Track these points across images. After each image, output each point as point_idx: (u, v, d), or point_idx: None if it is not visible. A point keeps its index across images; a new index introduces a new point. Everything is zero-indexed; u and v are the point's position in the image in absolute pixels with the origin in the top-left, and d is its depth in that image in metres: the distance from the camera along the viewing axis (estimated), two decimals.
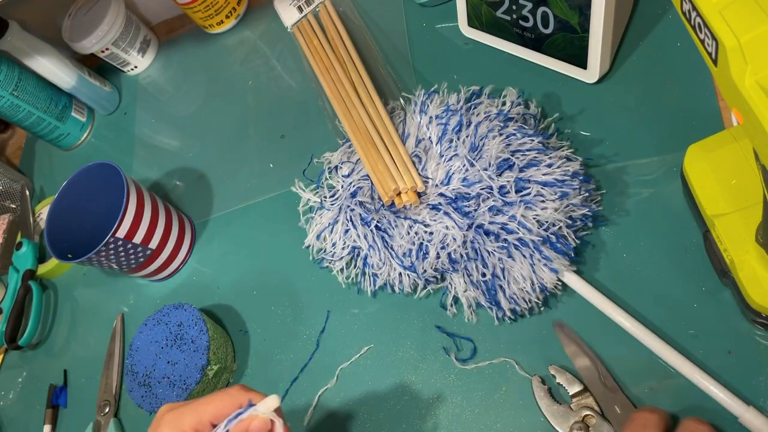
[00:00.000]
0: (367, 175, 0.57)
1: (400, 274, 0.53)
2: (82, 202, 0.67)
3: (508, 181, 0.50)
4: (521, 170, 0.51)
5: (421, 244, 0.52)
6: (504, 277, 0.49)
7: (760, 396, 0.43)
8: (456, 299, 0.54)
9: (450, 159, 0.53)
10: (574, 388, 0.48)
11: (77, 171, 0.66)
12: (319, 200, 0.59)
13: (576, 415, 0.46)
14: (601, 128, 0.56)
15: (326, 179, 0.62)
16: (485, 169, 0.51)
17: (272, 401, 0.36)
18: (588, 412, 0.46)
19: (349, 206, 0.55)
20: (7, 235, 0.77)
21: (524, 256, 0.49)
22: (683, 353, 0.46)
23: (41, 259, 0.76)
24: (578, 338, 0.49)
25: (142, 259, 0.64)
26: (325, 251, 0.58)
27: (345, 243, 0.56)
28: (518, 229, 0.48)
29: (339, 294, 0.60)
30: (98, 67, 0.89)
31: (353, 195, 0.57)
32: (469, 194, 0.51)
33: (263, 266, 0.65)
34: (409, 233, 0.52)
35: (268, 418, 0.36)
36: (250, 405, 0.36)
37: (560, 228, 0.50)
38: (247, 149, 0.73)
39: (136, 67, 0.86)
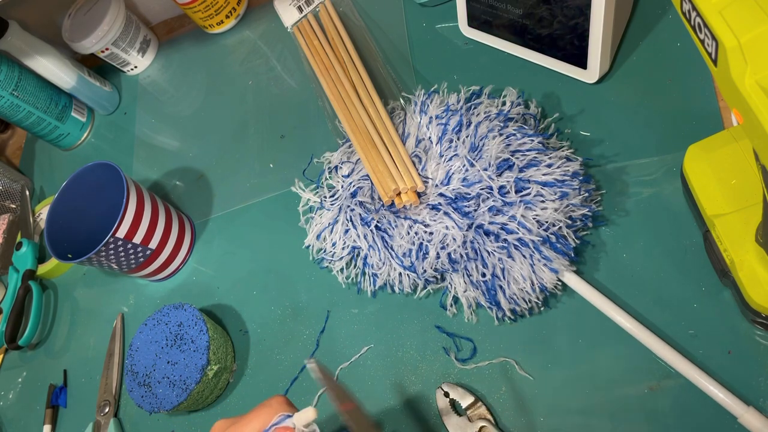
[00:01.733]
0: (367, 175, 0.57)
1: (400, 274, 0.53)
2: (82, 202, 0.67)
3: (507, 181, 0.50)
4: (521, 170, 0.51)
5: (421, 244, 0.52)
6: (504, 278, 0.49)
7: (760, 396, 0.43)
8: (456, 299, 0.54)
9: (450, 159, 0.53)
10: (467, 401, 0.50)
11: (77, 171, 0.66)
12: (319, 200, 0.59)
13: (473, 426, 0.48)
14: (601, 128, 0.56)
15: (326, 179, 0.62)
16: (485, 169, 0.51)
17: (307, 414, 0.35)
18: (483, 423, 0.48)
19: (349, 206, 0.55)
20: (7, 235, 0.77)
21: (524, 256, 0.49)
22: (683, 353, 0.46)
23: (41, 259, 0.76)
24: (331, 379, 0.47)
25: (142, 259, 0.64)
26: (325, 251, 0.58)
27: (345, 243, 0.56)
28: (518, 229, 0.48)
29: (339, 294, 0.60)
30: (98, 67, 0.89)
31: (353, 195, 0.57)
32: (469, 194, 0.51)
33: (263, 266, 0.65)
34: (409, 233, 0.52)
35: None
36: (286, 416, 0.36)
37: (560, 228, 0.50)
38: (247, 149, 0.73)
39: (136, 67, 0.86)
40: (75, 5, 0.82)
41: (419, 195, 0.54)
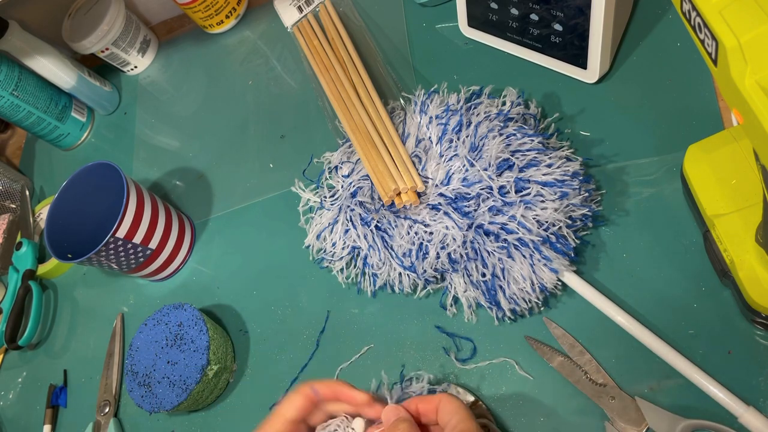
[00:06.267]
0: (367, 175, 0.57)
1: (400, 274, 0.53)
2: (82, 202, 0.67)
3: (507, 181, 0.50)
4: (521, 170, 0.51)
5: (421, 244, 0.52)
6: (504, 277, 0.49)
7: (760, 396, 0.43)
8: (456, 299, 0.54)
9: (450, 159, 0.53)
10: (466, 401, 0.49)
11: (77, 171, 0.66)
12: (319, 200, 0.59)
13: None
14: (601, 128, 0.56)
15: (326, 179, 0.62)
16: (485, 169, 0.51)
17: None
18: (483, 421, 0.47)
19: (349, 206, 0.55)
20: (7, 235, 0.77)
21: (524, 256, 0.49)
22: (683, 353, 0.46)
23: (41, 259, 0.76)
24: (546, 346, 0.50)
25: (142, 259, 0.64)
26: (325, 251, 0.58)
27: (345, 243, 0.56)
28: (518, 229, 0.48)
29: (339, 294, 0.60)
30: (98, 67, 0.89)
31: (353, 195, 0.57)
32: (469, 194, 0.51)
33: (263, 266, 0.65)
34: (409, 233, 0.52)
35: None
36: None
37: (560, 228, 0.49)
38: (247, 149, 0.73)
39: (136, 67, 0.86)
40: (75, 5, 0.82)
41: (419, 195, 0.54)
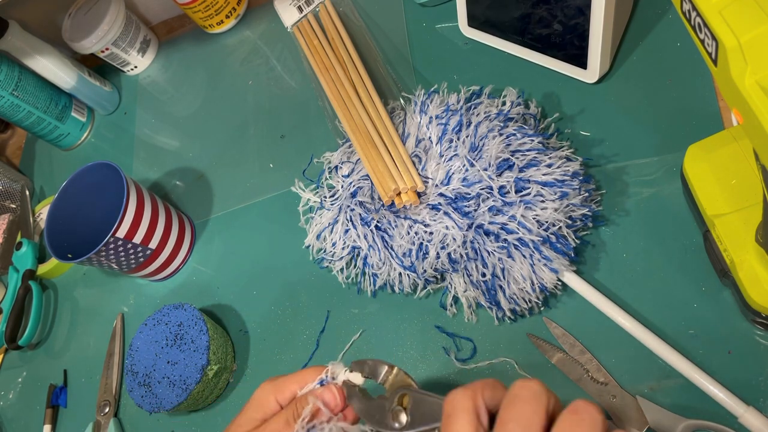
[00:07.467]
0: (367, 175, 0.57)
1: (400, 274, 0.53)
2: (82, 202, 0.67)
3: (507, 181, 0.50)
4: (521, 170, 0.51)
5: (421, 244, 0.52)
6: (504, 277, 0.49)
7: (760, 396, 0.43)
8: (456, 299, 0.54)
9: (450, 159, 0.53)
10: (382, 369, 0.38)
11: (77, 171, 0.66)
12: (319, 200, 0.59)
13: (390, 401, 0.36)
14: (601, 128, 0.56)
15: (326, 179, 0.62)
16: (485, 169, 0.51)
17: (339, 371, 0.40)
18: (402, 391, 0.36)
19: (349, 206, 0.55)
20: (7, 235, 0.77)
21: (524, 256, 0.49)
22: (683, 353, 0.46)
23: (41, 259, 0.76)
24: (548, 344, 0.50)
25: (142, 259, 0.64)
26: (325, 251, 0.58)
27: (345, 243, 0.56)
28: (518, 229, 0.48)
29: (339, 294, 0.60)
30: (98, 67, 0.89)
31: (353, 195, 0.57)
32: (469, 194, 0.51)
33: (263, 266, 0.65)
34: (409, 233, 0.52)
35: (335, 387, 0.39)
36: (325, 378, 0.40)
37: (560, 228, 0.49)
38: (247, 149, 0.73)
39: (136, 67, 0.86)
40: (75, 5, 0.82)
41: (419, 195, 0.54)
